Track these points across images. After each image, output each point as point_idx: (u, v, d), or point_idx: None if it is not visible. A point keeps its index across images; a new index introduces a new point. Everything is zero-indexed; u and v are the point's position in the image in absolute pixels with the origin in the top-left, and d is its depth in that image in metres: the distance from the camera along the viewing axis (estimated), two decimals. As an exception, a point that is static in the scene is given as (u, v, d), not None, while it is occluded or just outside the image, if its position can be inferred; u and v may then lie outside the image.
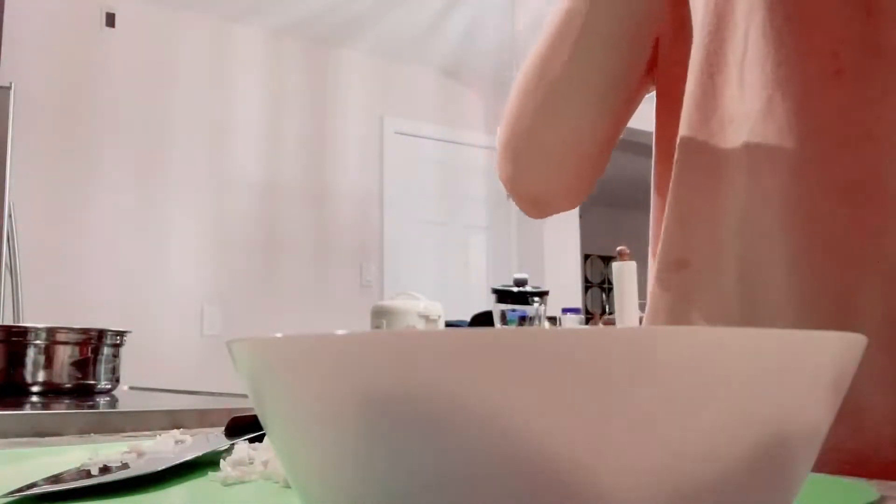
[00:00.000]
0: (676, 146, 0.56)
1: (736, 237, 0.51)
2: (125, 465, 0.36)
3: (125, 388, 1.08)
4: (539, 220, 4.94)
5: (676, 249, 0.55)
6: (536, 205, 0.67)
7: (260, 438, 0.44)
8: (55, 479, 0.34)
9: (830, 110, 0.47)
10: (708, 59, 0.53)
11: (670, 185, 0.56)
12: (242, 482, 0.35)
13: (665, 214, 0.56)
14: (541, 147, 0.63)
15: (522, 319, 2.38)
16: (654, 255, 0.62)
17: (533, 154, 0.64)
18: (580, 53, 0.60)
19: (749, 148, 0.50)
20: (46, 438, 0.59)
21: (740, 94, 0.51)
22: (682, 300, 0.54)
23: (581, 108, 0.62)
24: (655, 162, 0.63)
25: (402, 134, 4.29)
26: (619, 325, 2.02)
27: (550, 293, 2.48)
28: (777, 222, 0.49)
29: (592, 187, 0.66)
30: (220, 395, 0.98)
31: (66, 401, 0.83)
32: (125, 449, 0.41)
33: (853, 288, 0.47)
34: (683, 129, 0.55)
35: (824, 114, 0.48)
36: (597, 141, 0.63)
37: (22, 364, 0.88)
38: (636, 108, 0.65)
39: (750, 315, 0.50)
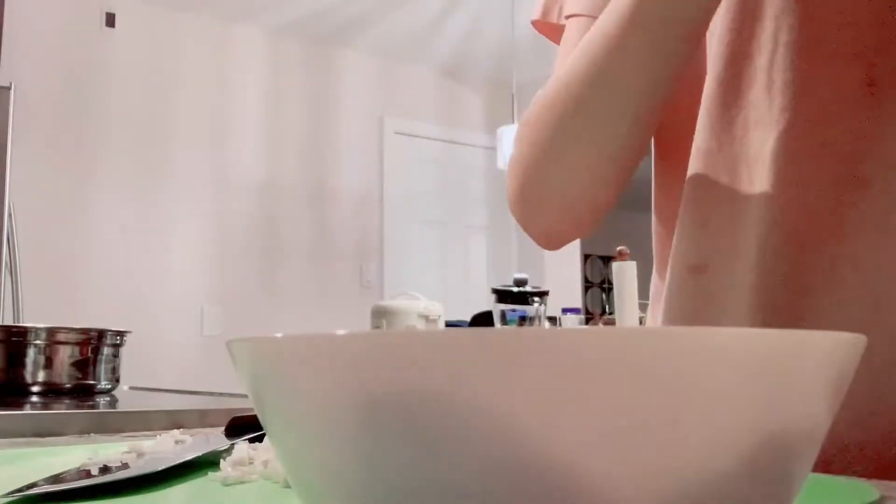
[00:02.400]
0: (694, 145, 0.54)
1: (754, 246, 0.49)
2: (125, 465, 0.36)
3: (125, 388, 1.08)
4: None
5: (695, 253, 0.53)
6: (549, 240, 0.63)
7: (260, 438, 0.44)
8: (55, 479, 0.34)
9: (870, 132, 0.46)
10: (731, 57, 0.51)
11: (688, 184, 0.54)
12: (242, 482, 0.35)
13: (682, 215, 0.54)
14: (552, 196, 0.58)
15: (522, 319, 2.38)
16: (660, 257, 0.62)
17: (544, 201, 0.59)
18: (606, 100, 0.52)
19: (777, 156, 0.48)
20: (46, 438, 0.59)
21: (767, 97, 0.49)
22: (699, 304, 0.53)
23: (598, 160, 0.55)
24: (656, 159, 0.62)
25: (402, 134, 4.29)
26: (619, 325, 2.02)
27: (550, 293, 2.48)
28: (802, 238, 0.47)
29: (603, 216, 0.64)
30: (220, 395, 0.98)
31: (66, 401, 0.83)
32: (125, 449, 0.41)
33: (880, 300, 0.46)
34: (704, 129, 0.53)
35: (861, 134, 0.46)
36: (614, 185, 0.57)
37: (22, 364, 0.88)
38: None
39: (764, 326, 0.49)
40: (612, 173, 0.54)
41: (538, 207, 0.59)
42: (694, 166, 0.54)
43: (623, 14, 0.48)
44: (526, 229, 0.62)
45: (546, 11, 0.65)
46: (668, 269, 0.56)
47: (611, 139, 0.52)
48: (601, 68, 0.50)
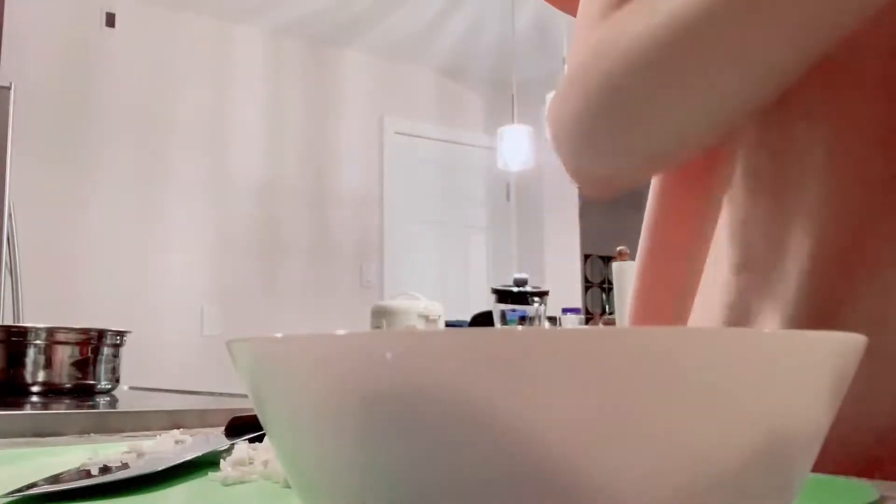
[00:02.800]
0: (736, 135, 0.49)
1: (800, 245, 0.46)
2: (125, 465, 0.36)
3: (125, 388, 1.08)
4: (539, 220, 4.90)
5: (737, 252, 0.50)
6: (604, 188, 0.53)
7: (260, 438, 0.44)
8: (55, 479, 0.34)
9: None
10: None
11: (730, 178, 0.50)
12: (242, 482, 0.35)
13: (731, 213, 0.50)
14: (628, 147, 0.48)
15: (522, 319, 2.38)
16: (651, 253, 0.60)
17: (612, 152, 0.49)
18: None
19: (829, 151, 0.45)
20: (46, 438, 0.59)
21: (819, 83, 0.45)
22: (739, 305, 0.49)
23: (707, 120, 0.44)
24: None
25: (402, 134, 4.29)
26: (619, 324, 2.02)
27: (550, 293, 2.48)
28: (852, 239, 0.45)
29: None
30: (220, 395, 0.98)
31: (66, 401, 0.83)
32: (125, 449, 0.41)
33: None
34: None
35: None
36: (718, 134, 0.47)
37: (22, 364, 0.88)
38: None
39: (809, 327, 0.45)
40: (720, 125, 0.45)
41: (602, 157, 0.50)
42: (728, 154, 0.50)
43: None
44: (575, 176, 0.52)
45: None
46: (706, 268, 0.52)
47: (729, 106, 0.43)
48: (731, 40, 0.40)
